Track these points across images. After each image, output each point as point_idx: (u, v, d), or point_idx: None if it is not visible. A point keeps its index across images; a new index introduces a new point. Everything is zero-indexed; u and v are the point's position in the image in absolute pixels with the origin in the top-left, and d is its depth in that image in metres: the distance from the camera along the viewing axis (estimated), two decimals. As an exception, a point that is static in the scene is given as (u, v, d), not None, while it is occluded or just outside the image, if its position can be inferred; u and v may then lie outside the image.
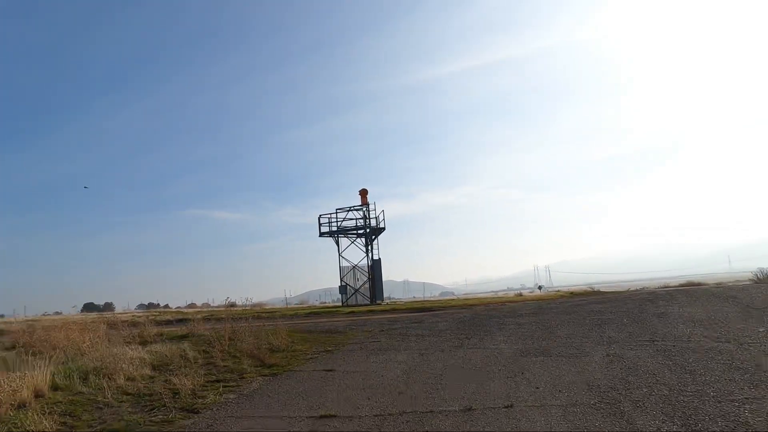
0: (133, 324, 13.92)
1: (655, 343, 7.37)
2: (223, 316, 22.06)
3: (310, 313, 21.23)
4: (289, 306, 47.59)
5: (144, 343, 10.66)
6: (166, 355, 8.36)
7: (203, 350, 9.17)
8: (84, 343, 9.97)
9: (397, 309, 20.94)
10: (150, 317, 22.79)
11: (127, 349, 8.73)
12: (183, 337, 11.16)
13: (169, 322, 19.26)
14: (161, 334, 12.01)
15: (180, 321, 20.39)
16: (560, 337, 8.64)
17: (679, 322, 9.26)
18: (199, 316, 23.85)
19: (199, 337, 10.78)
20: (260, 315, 21.62)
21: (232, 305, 60.79)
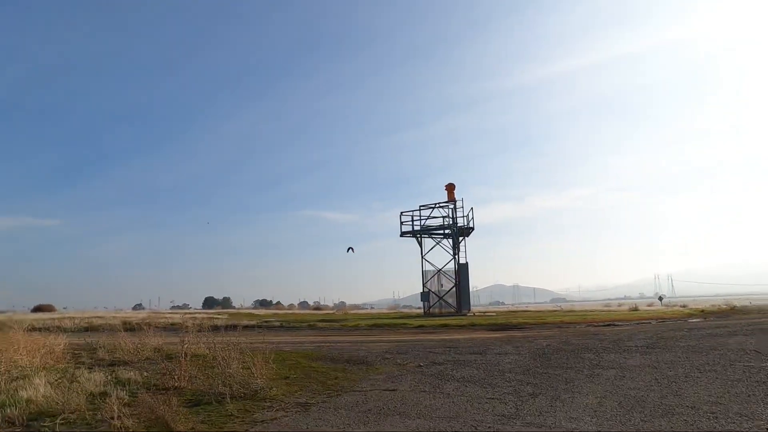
0: (141, 329, 11.93)
1: None
2: (292, 322, 19.88)
3: (373, 325, 18.33)
4: (372, 312, 45.35)
5: (112, 365, 8.42)
6: (88, 392, 5.82)
7: (145, 384, 6.61)
8: (33, 362, 7.88)
9: (476, 324, 17.44)
10: (204, 319, 21.25)
11: (36, 380, 6.33)
12: (168, 358, 8.76)
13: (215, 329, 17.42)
14: (155, 350, 9.78)
15: (233, 327, 18.54)
16: (697, 408, 4.86)
17: None
18: (252, 321, 22.00)
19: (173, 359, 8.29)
20: (315, 325, 19.17)
21: (317, 308, 60.41)
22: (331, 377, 7.34)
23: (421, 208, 30.25)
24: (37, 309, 42.18)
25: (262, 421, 4.95)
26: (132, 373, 7.24)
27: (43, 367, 7.78)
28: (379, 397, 5.89)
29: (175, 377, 6.59)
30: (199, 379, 6.61)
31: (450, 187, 30.18)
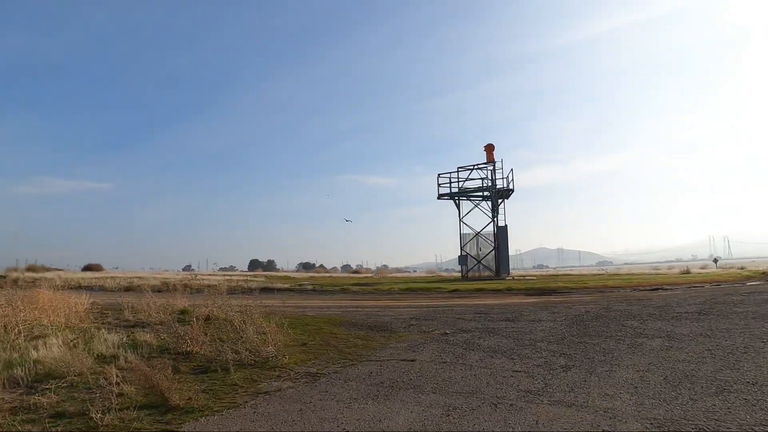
0: (175, 290, 11.94)
1: None
2: (326, 285, 19.84)
3: (407, 289, 17.98)
4: (410, 275, 45.20)
5: (134, 326, 8.33)
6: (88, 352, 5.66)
7: (159, 347, 6.43)
8: (57, 320, 7.86)
9: (513, 289, 16.81)
10: (240, 281, 21.49)
11: (52, 339, 6.22)
12: (183, 321, 8.63)
13: (248, 291, 17.50)
14: (180, 312, 9.67)
15: (265, 290, 18.63)
16: (759, 385, 4.19)
17: None
18: (287, 284, 22.09)
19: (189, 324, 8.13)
20: (348, 289, 18.99)
21: (356, 271, 60.87)
22: (350, 345, 6.98)
23: (459, 169, 29.29)
24: (87, 268, 44.17)
25: (265, 393, 4.61)
26: (149, 336, 7.10)
27: (66, 326, 7.76)
28: (395, 368, 5.47)
29: (188, 341, 6.38)
30: (210, 344, 6.36)
31: (489, 148, 29.01)
